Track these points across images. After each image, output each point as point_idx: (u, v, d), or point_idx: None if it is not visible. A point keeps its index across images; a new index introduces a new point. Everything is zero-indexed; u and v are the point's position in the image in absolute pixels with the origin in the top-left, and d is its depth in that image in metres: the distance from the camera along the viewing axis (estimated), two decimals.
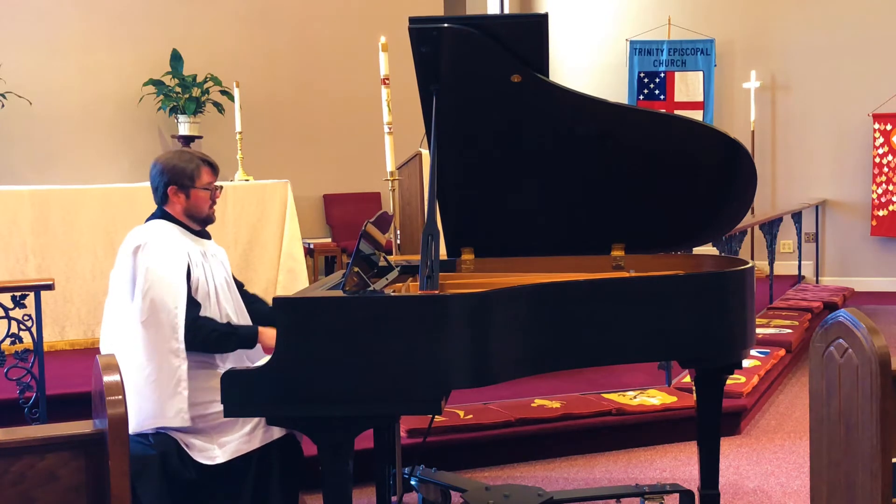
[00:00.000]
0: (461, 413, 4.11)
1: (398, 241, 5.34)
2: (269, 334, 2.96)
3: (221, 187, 3.14)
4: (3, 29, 6.87)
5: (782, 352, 5.57)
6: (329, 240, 7.97)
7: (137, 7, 7.38)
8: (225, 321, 3.03)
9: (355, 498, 2.70)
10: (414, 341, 2.45)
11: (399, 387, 2.46)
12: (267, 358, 2.58)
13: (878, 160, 8.45)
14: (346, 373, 2.45)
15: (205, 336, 2.90)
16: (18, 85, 6.69)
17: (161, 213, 3.07)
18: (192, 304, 2.92)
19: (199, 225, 3.11)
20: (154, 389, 2.84)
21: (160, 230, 3.00)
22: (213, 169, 3.10)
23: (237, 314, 3.10)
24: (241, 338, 2.98)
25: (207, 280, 3.01)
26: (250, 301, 3.25)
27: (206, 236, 3.16)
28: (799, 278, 8.47)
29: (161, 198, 3.06)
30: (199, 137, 7.40)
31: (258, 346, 3.07)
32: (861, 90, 8.50)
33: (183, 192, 3.03)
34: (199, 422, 2.89)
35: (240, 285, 3.26)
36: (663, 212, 3.30)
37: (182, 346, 2.85)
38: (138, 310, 2.86)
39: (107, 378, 2.01)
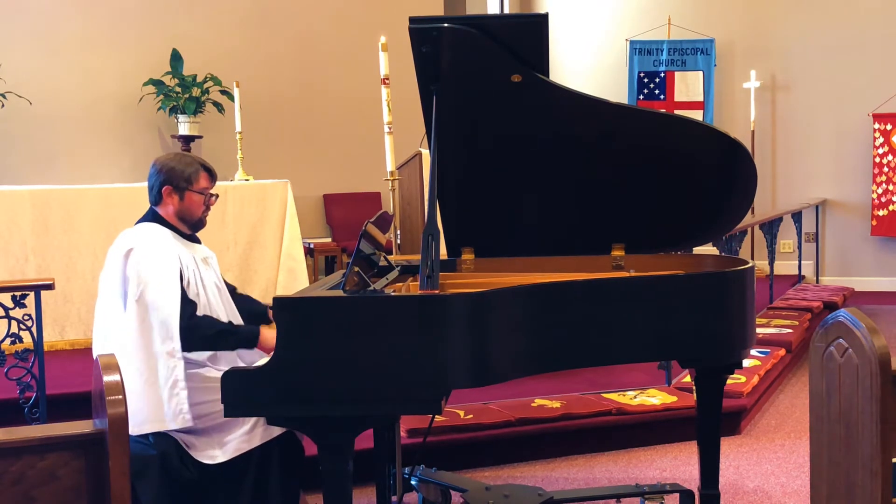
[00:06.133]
0: (461, 413, 4.11)
1: (398, 241, 5.34)
2: (269, 336, 2.96)
3: (217, 196, 3.13)
4: (3, 29, 6.87)
5: (782, 352, 5.56)
6: (329, 240, 7.98)
7: (137, 7, 7.38)
8: None
9: (355, 498, 2.70)
10: (414, 341, 2.45)
11: (399, 387, 2.46)
12: (265, 358, 2.58)
13: (878, 160, 8.45)
14: (346, 373, 2.45)
15: (203, 332, 2.89)
16: (18, 85, 6.69)
17: (152, 216, 3.06)
18: (187, 303, 2.91)
19: (189, 229, 3.10)
20: (152, 392, 2.83)
21: (150, 233, 2.99)
22: (212, 175, 3.10)
23: (229, 318, 3.09)
24: (241, 337, 2.97)
25: (198, 284, 3.00)
26: (242, 301, 3.25)
27: (197, 241, 3.16)
28: (799, 278, 8.47)
29: (155, 197, 3.05)
30: (199, 137, 7.41)
31: (255, 350, 3.06)
32: (861, 90, 8.50)
33: (177, 193, 3.02)
34: (199, 422, 2.89)
35: (232, 289, 3.26)
36: (663, 211, 3.30)
37: (177, 345, 2.84)
38: (133, 313, 2.86)
39: (107, 378, 2.01)
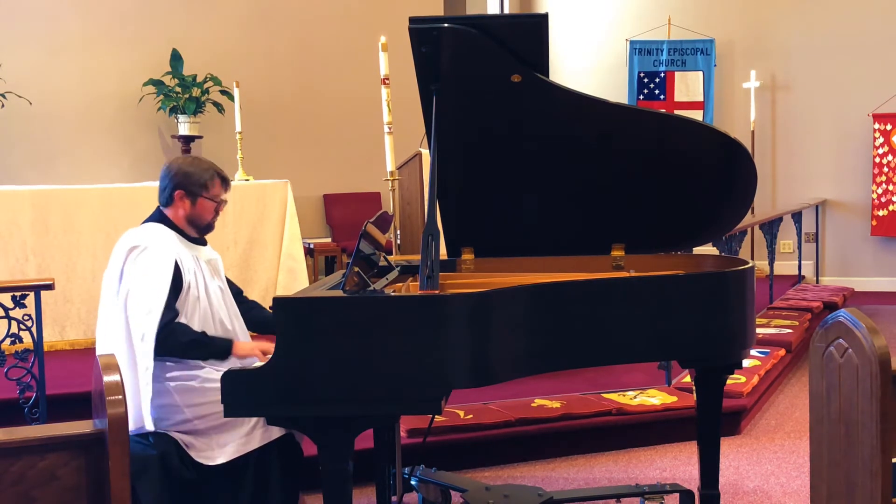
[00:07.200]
0: (461, 413, 4.11)
1: (398, 241, 5.34)
2: (243, 347, 2.94)
3: (226, 202, 3.13)
4: (3, 29, 6.87)
5: (782, 352, 5.57)
6: (329, 240, 7.98)
7: (137, 7, 7.38)
8: (219, 327, 3.02)
9: (355, 498, 2.70)
10: (414, 341, 2.45)
11: (399, 387, 2.46)
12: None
13: (878, 160, 8.45)
14: (346, 373, 2.45)
15: (177, 338, 2.86)
16: (18, 85, 6.69)
17: (159, 216, 3.06)
18: (169, 309, 2.88)
19: (197, 233, 3.10)
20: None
21: (155, 233, 2.99)
22: (226, 184, 3.10)
23: (232, 320, 3.09)
24: (214, 349, 2.94)
25: (199, 287, 2.99)
26: (249, 307, 3.23)
27: (202, 242, 3.15)
28: (799, 278, 8.47)
29: (166, 199, 3.05)
30: (199, 137, 7.41)
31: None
32: (861, 90, 8.50)
33: (190, 198, 3.02)
34: (199, 422, 2.89)
35: (238, 291, 3.25)
36: (663, 211, 3.30)
37: (150, 347, 2.81)
38: (122, 308, 2.87)
39: (107, 378, 2.01)
